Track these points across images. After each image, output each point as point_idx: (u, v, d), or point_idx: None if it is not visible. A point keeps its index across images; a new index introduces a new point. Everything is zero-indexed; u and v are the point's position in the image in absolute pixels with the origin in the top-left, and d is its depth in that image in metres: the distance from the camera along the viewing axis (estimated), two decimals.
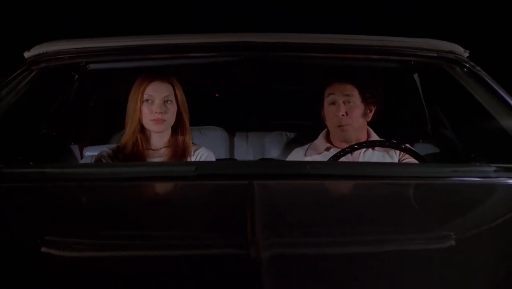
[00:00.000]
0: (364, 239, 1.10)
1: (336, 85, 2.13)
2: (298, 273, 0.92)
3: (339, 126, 2.12)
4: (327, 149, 2.17)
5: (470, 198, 1.43)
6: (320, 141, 2.22)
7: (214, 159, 2.12)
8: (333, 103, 2.12)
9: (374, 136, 2.18)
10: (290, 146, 2.46)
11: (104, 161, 2.00)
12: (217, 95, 3.69)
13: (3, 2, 4.20)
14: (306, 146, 2.24)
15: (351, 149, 1.93)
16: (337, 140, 2.17)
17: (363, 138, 2.17)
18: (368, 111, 2.13)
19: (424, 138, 2.46)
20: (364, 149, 2.08)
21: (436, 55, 1.88)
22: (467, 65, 1.85)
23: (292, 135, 2.55)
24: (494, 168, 1.52)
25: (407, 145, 2.09)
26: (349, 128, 2.11)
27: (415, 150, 2.02)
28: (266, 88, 3.35)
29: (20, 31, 4.18)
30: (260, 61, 2.07)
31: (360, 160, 2.10)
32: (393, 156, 2.12)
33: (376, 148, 2.12)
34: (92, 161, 2.13)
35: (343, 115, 2.09)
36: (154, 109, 1.97)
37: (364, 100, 2.11)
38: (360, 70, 2.20)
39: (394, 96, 2.63)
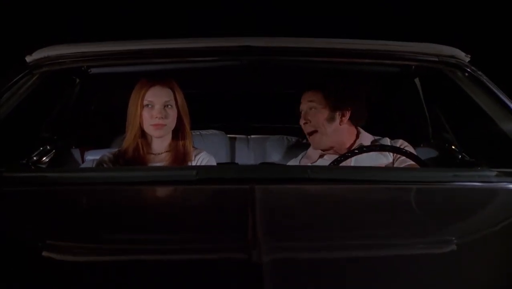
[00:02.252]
0: (365, 243, 1.11)
1: (303, 95, 2.16)
2: (299, 277, 0.92)
3: (307, 134, 2.14)
4: (321, 156, 2.17)
5: (471, 203, 1.43)
6: (313, 150, 2.21)
7: (215, 163, 2.12)
8: (301, 112, 2.15)
9: (365, 137, 2.17)
10: (291, 150, 2.46)
11: (105, 165, 2.00)
12: None
13: (3, 3, 4.21)
14: (299, 156, 2.24)
15: (352, 154, 1.93)
16: (321, 149, 2.17)
17: (350, 140, 2.15)
18: (339, 115, 2.11)
19: (425, 143, 2.46)
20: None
21: (437, 59, 1.87)
22: (468, 69, 1.84)
23: (293, 139, 2.54)
24: (495, 173, 1.52)
25: (402, 141, 2.09)
26: (317, 136, 2.12)
27: (412, 150, 2.02)
28: (267, 92, 3.36)
29: (21, 35, 4.19)
30: (261, 65, 2.07)
31: (353, 162, 2.07)
32: (387, 156, 2.10)
33: None
34: (93, 165, 2.13)
35: (305, 123, 2.12)
36: (154, 114, 1.97)
37: (329, 104, 2.10)
38: (328, 74, 2.20)
39: (395, 101, 2.63)
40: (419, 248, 1.11)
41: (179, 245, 1.09)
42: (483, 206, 1.45)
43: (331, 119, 2.11)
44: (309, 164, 2.15)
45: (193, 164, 2.05)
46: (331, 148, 2.14)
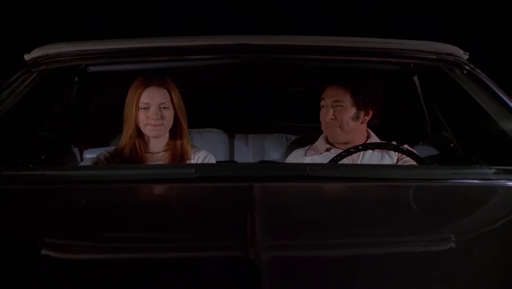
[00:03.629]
0: (364, 241, 1.11)
1: (328, 90, 2.16)
2: (298, 275, 0.92)
3: (328, 128, 2.16)
4: (328, 150, 2.19)
5: (469, 200, 1.44)
6: (320, 142, 2.23)
7: (214, 161, 2.12)
8: (324, 106, 2.16)
9: (374, 138, 2.19)
10: (290, 148, 2.46)
11: (101, 164, 1.99)
12: None
13: (3, 3, 4.21)
14: (307, 147, 2.26)
15: (348, 153, 1.94)
16: (335, 142, 2.19)
17: (362, 140, 2.17)
18: (363, 114, 2.14)
19: (424, 141, 2.47)
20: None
21: (436, 57, 1.87)
22: (467, 67, 1.85)
23: (292, 138, 2.55)
24: (494, 170, 1.53)
25: (406, 146, 2.10)
26: (338, 130, 2.14)
27: (415, 152, 2.02)
28: (265, 90, 3.36)
29: (20, 34, 4.19)
30: (259, 63, 2.07)
31: (359, 161, 2.11)
32: (392, 156, 2.13)
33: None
34: (92, 164, 2.13)
35: (331, 119, 2.13)
36: (150, 115, 1.95)
37: (356, 104, 2.12)
38: (357, 73, 2.20)
39: (394, 99, 2.63)
40: (417, 245, 1.11)
41: (177, 243, 1.09)
42: (481, 204, 1.45)
43: (356, 118, 2.14)
44: (316, 155, 2.19)
45: (193, 162, 2.05)
46: (345, 143, 2.15)
